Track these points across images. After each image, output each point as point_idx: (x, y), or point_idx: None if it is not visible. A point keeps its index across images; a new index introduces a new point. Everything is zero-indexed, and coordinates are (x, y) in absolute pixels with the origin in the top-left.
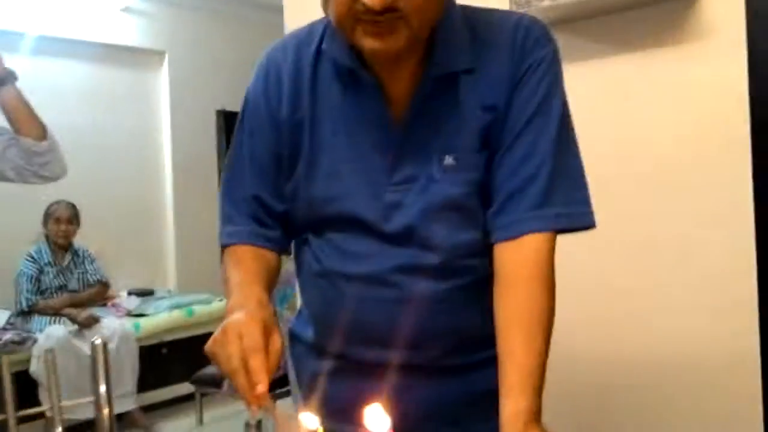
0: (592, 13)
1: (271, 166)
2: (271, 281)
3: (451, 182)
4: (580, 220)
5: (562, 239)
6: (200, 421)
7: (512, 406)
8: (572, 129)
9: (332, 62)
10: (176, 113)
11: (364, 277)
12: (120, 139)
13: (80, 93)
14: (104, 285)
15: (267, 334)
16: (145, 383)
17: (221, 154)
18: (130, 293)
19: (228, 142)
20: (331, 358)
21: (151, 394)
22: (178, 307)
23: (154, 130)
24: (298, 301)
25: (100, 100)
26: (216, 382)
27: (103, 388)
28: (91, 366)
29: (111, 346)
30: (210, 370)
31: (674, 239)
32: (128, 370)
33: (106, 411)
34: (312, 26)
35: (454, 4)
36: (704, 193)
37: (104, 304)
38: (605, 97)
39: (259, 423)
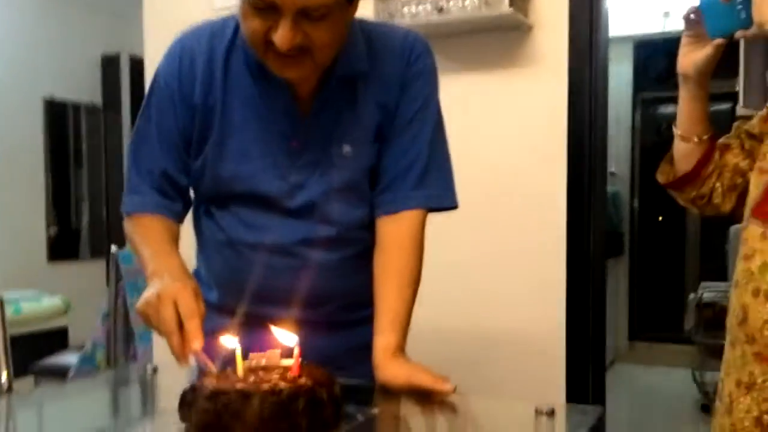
0: (442, 34)
1: (180, 144)
2: (177, 247)
3: (348, 167)
4: (447, 201)
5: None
6: None
7: (384, 340)
8: (443, 129)
9: (244, 54)
10: None
11: (269, 246)
12: None
13: None
14: None
15: (197, 298)
16: None
17: (48, 146)
18: None
19: (56, 132)
20: (234, 316)
21: None
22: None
23: None
24: None
25: None
26: (61, 371)
27: None
28: None
29: None
30: (52, 360)
31: (502, 232)
32: None
33: None
34: (226, 20)
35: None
36: (527, 194)
37: None
38: (449, 108)
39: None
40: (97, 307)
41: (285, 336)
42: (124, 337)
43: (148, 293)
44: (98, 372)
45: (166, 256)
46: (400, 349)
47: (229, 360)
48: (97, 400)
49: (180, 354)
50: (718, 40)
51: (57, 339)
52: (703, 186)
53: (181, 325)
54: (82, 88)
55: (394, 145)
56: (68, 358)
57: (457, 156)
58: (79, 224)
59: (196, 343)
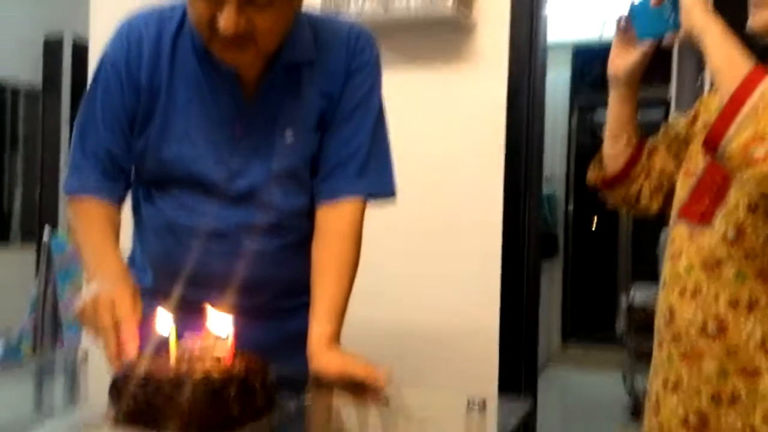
0: (387, 29)
1: (125, 124)
2: (118, 239)
3: (289, 155)
4: (387, 189)
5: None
6: None
7: (319, 329)
8: (385, 120)
9: (191, 39)
10: None
11: (207, 231)
12: None
13: None
14: None
15: (135, 302)
16: None
17: None
18: None
19: None
20: (168, 300)
21: None
22: None
23: None
24: (83, 280)
25: None
26: None
27: None
28: None
29: None
30: None
31: (439, 229)
32: None
33: None
34: (174, 6)
35: (300, 8)
36: (464, 191)
37: None
38: (390, 101)
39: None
40: (25, 294)
41: (220, 319)
42: (52, 327)
43: (87, 296)
44: (24, 363)
45: (107, 254)
46: (335, 338)
47: (162, 344)
48: (22, 390)
49: (114, 357)
50: (648, 43)
51: None
52: (631, 187)
53: (117, 328)
54: (23, 69)
55: (336, 134)
56: None
57: (396, 149)
58: (10, 208)
59: (132, 347)
